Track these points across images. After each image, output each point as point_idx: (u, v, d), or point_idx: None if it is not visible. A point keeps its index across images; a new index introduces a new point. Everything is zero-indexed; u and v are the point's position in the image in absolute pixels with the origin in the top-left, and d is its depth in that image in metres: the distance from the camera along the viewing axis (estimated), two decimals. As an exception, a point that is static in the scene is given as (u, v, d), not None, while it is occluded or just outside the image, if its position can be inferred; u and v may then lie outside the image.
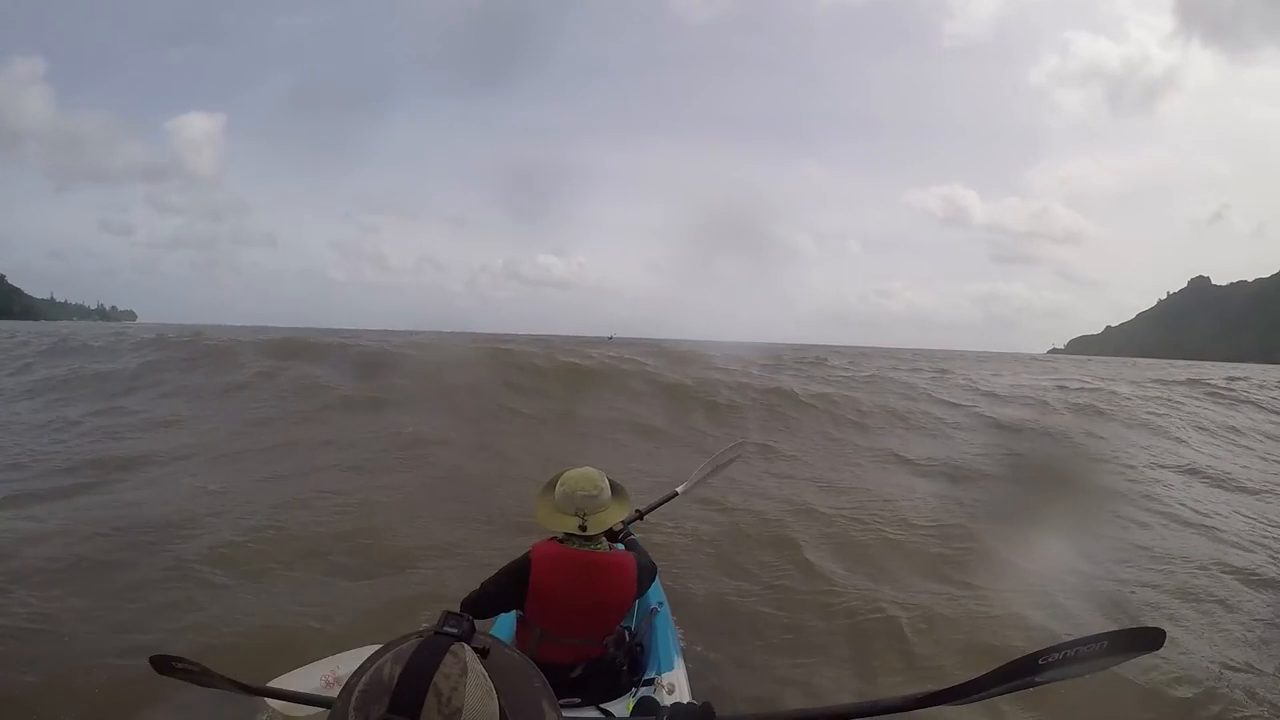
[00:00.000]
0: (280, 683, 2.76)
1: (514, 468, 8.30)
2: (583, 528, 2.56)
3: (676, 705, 1.79)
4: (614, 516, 2.64)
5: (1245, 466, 11.38)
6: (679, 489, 4.05)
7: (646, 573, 2.75)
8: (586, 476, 2.64)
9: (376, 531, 5.77)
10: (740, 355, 24.26)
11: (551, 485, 2.69)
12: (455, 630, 1.01)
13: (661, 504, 3.94)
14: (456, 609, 1.11)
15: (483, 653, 1.02)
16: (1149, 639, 1.79)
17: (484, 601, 2.59)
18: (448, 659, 0.95)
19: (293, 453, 8.81)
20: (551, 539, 2.63)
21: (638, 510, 3.59)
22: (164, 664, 2.27)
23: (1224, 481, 9.82)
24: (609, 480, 2.71)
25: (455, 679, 0.94)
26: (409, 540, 5.60)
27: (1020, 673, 1.80)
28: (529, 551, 2.59)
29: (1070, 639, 1.78)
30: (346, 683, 1.00)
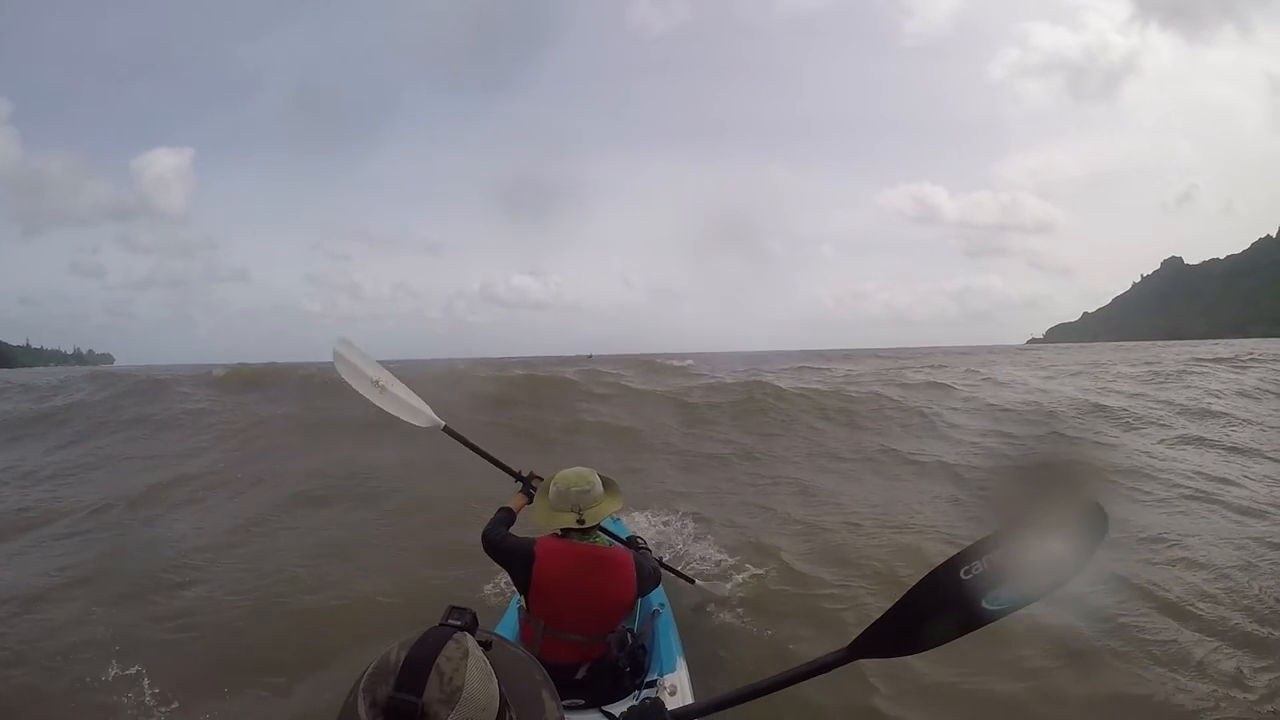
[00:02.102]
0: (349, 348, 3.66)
1: (486, 488, 7.55)
2: (581, 521, 2.73)
3: (631, 708, 1.81)
4: (608, 508, 2.82)
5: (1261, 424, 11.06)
6: (698, 581, 4.25)
7: (649, 577, 2.93)
8: (578, 474, 2.82)
9: (327, 576, 5.11)
10: (721, 364, 23.81)
11: (545, 488, 2.89)
12: (458, 623, 1.08)
13: (677, 575, 4.07)
14: (460, 605, 1.15)
15: (485, 645, 1.09)
16: (1088, 519, 1.49)
17: (500, 545, 2.81)
18: (450, 644, 1.02)
19: (235, 487, 8.06)
20: (552, 535, 2.81)
21: (658, 558, 3.62)
22: None
23: (1246, 450, 9.39)
24: (599, 475, 2.87)
25: (456, 661, 1.00)
26: (371, 582, 4.96)
27: (943, 593, 1.57)
28: (534, 542, 2.77)
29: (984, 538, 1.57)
30: (358, 678, 1.04)
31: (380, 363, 3.84)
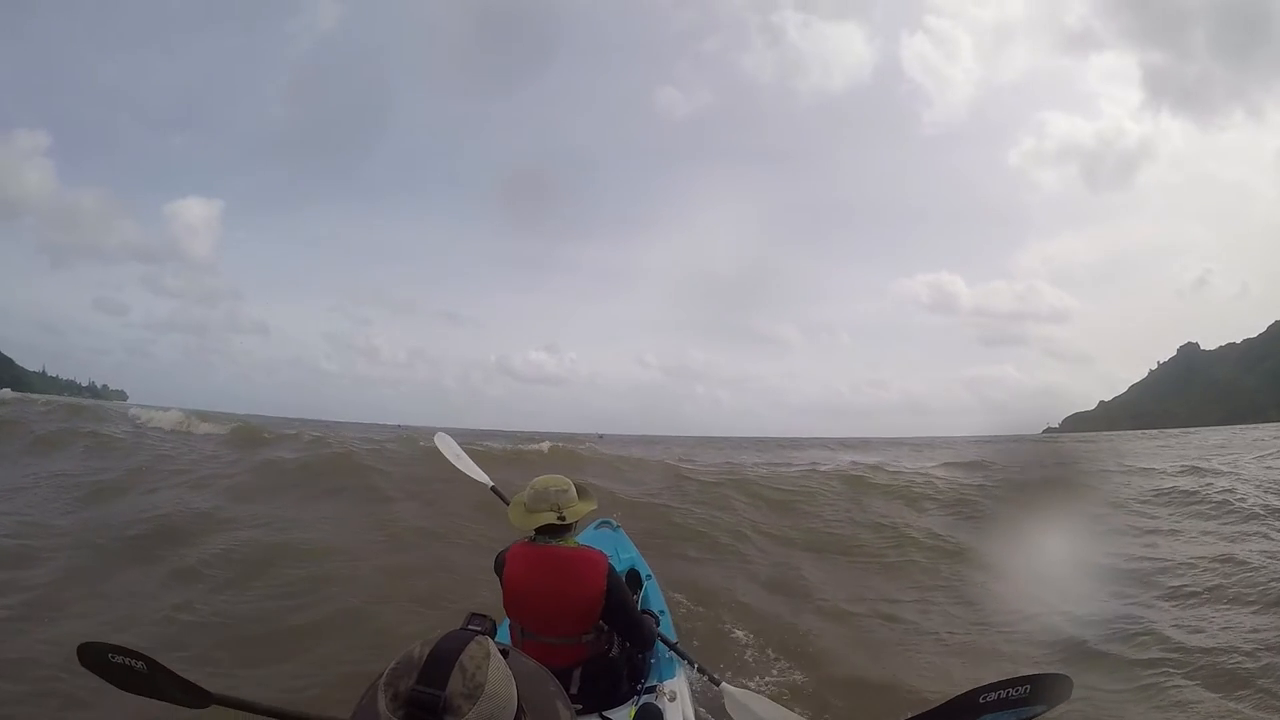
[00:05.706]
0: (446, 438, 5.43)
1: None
2: (561, 518, 2.77)
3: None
4: (585, 507, 2.91)
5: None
6: (725, 685, 4.06)
7: (633, 626, 2.89)
8: (554, 479, 2.91)
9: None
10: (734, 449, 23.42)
11: (520, 498, 2.92)
12: (479, 628, 1.15)
13: (705, 674, 3.70)
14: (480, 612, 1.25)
15: (502, 653, 1.13)
16: (1057, 688, 1.93)
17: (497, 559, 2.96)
18: (473, 645, 1.06)
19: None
20: (525, 541, 2.87)
21: (675, 644, 3.44)
22: (98, 655, 2.19)
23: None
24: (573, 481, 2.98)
25: (479, 660, 1.05)
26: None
27: (965, 711, 1.96)
28: (505, 550, 2.87)
29: (1002, 679, 1.98)
30: (376, 678, 1.08)
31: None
